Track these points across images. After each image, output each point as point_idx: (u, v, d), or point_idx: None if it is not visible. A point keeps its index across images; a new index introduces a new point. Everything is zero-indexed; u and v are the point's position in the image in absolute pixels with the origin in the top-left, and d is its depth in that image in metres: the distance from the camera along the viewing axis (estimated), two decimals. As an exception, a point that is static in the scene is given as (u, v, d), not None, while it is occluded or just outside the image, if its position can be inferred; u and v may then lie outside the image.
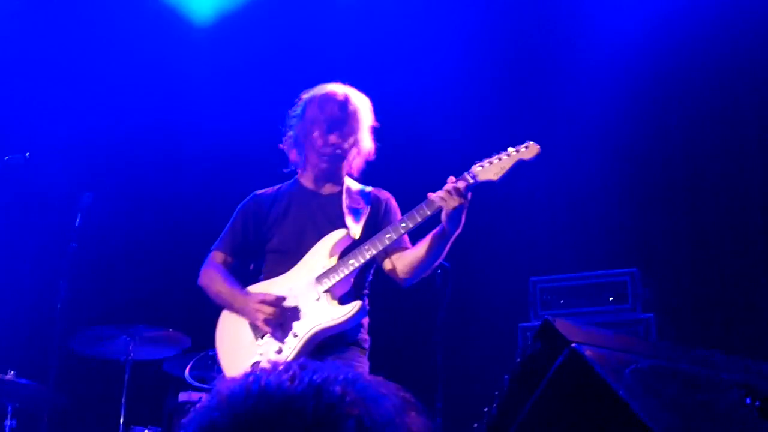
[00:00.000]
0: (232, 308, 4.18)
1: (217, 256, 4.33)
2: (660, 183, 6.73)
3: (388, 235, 3.98)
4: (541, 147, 3.92)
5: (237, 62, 7.83)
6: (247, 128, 7.60)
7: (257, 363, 4.00)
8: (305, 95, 4.38)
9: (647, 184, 6.77)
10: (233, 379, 1.06)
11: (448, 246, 4.01)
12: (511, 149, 3.93)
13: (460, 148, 5.91)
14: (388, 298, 4.53)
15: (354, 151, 4.27)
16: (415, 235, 4.14)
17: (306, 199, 4.30)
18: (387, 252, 4.12)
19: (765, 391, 1.64)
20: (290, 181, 4.42)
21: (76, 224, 5.98)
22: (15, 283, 7.24)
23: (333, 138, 4.19)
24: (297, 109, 4.36)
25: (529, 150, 3.91)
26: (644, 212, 6.71)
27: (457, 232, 3.95)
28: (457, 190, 3.82)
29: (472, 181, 3.88)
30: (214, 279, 4.26)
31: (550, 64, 7.21)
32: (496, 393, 1.55)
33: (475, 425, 1.55)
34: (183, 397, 6.14)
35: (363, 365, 4.05)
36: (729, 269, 6.32)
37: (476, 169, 3.91)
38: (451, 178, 3.90)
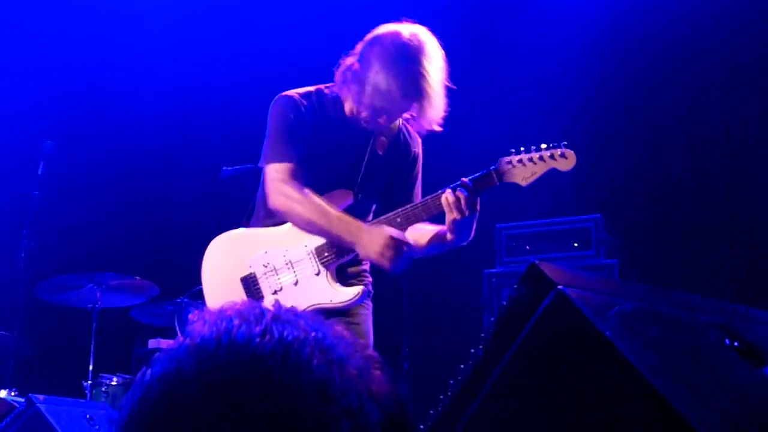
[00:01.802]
0: (349, 233, 3.52)
1: (293, 172, 3.60)
2: (623, 129, 6.76)
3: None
4: (576, 155, 3.41)
5: (202, 10, 7.72)
6: (209, 76, 7.54)
7: None
8: (389, 44, 3.52)
9: (611, 130, 6.80)
10: (207, 324, 1.05)
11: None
12: (545, 153, 3.42)
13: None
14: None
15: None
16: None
17: (344, 136, 3.72)
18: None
19: (742, 332, 1.68)
20: (329, 96, 3.73)
21: (39, 172, 5.93)
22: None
23: (395, 122, 3.72)
24: (380, 56, 3.52)
25: (567, 161, 3.41)
26: (608, 159, 6.75)
27: (463, 243, 3.56)
28: (468, 202, 3.40)
29: (497, 182, 3.47)
30: (314, 204, 3.55)
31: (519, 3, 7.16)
32: (482, 335, 1.57)
33: (462, 366, 1.57)
34: (152, 344, 6.18)
35: (368, 309, 3.79)
36: (691, 216, 6.40)
37: (505, 166, 3.46)
38: (463, 182, 3.44)
